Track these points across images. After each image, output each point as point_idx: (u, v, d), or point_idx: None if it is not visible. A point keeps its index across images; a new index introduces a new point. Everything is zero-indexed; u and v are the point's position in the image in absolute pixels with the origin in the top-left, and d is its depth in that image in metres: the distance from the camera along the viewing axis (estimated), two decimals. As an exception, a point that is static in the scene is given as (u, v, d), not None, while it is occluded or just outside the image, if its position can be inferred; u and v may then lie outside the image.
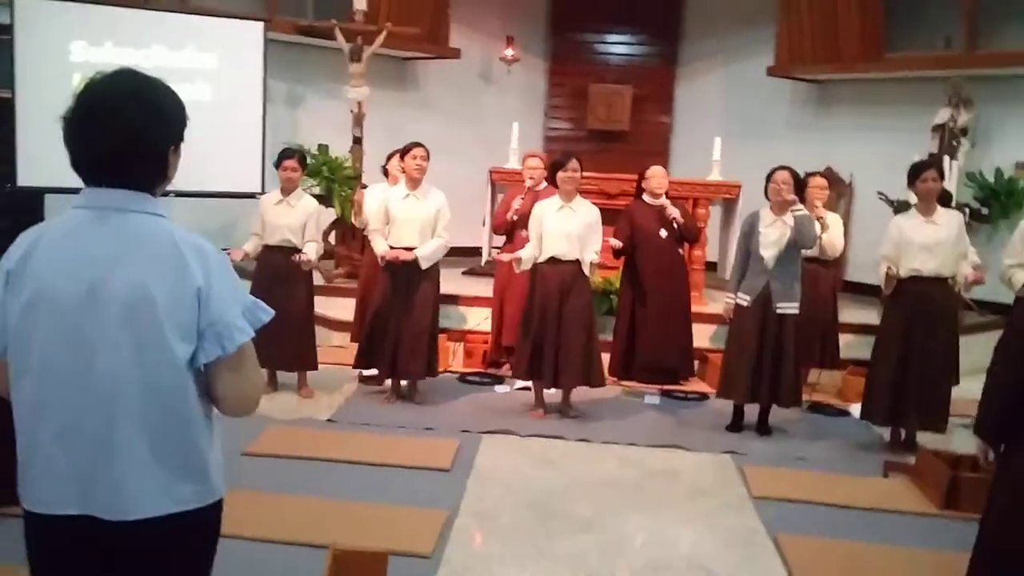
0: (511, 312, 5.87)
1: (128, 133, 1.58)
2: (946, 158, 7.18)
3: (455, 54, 9.05)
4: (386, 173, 6.00)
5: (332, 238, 7.74)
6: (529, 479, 4.32)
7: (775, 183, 4.95)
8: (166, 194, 1.74)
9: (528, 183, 5.89)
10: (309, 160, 7.37)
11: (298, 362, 5.45)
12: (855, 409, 5.47)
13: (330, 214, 7.35)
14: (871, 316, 6.33)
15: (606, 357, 5.52)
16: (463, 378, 5.94)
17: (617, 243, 5.56)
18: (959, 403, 4.95)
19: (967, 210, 6.98)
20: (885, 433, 5.16)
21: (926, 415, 4.82)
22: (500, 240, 6.37)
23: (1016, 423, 2.53)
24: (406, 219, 5.21)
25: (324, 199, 7.07)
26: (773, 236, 4.94)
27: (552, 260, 5.08)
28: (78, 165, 1.63)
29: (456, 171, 7.47)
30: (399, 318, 5.20)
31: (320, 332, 5.88)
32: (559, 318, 5.07)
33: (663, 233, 5.75)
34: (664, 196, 5.74)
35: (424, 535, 3.52)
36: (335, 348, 6.37)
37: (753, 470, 4.52)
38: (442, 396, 5.55)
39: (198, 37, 7.06)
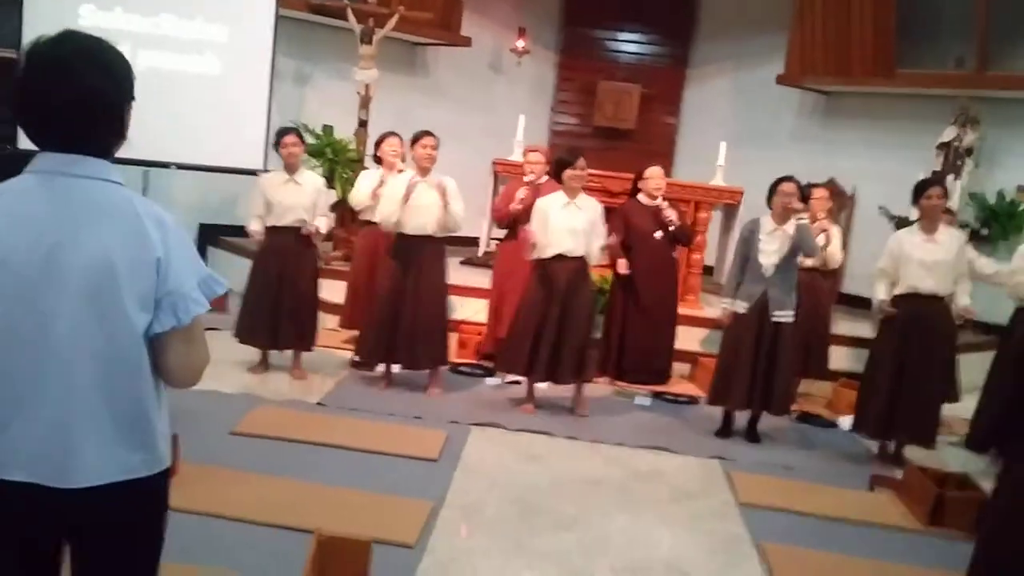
0: (511, 303, 5.80)
1: (82, 91, 1.56)
2: (950, 177, 7.19)
3: (466, 42, 9.01)
4: (378, 160, 5.97)
5: (332, 220, 7.70)
6: (515, 474, 4.32)
7: (783, 193, 4.93)
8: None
9: (529, 177, 5.85)
10: (313, 140, 7.34)
11: (300, 341, 5.42)
12: (844, 421, 5.49)
13: (331, 195, 7.32)
14: (864, 329, 6.33)
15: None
16: (455, 369, 5.92)
17: (614, 240, 5.50)
18: (956, 422, 4.95)
19: (968, 230, 6.99)
20: (873, 446, 5.18)
21: (916, 430, 4.84)
22: (499, 232, 6.33)
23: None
24: (419, 206, 5.12)
25: (326, 181, 7.02)
26: (773, 245, 4.93)
27: (558, 257, 5.07)
28: (31, 127, 1.61)
29: (462, 159, 7.43)
30: (412, 308, 5.15)
31: (316, 315, 5.85)
32: (562, 315, 5.06)
33: (658, 234, 5.74)
34: (661, 198, 5.73)
35: (409, 524, 3.52)
36: (328, 331, 6.34)
37: (741, 476, 4.53)
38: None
39: (208, 8, 6.98)
